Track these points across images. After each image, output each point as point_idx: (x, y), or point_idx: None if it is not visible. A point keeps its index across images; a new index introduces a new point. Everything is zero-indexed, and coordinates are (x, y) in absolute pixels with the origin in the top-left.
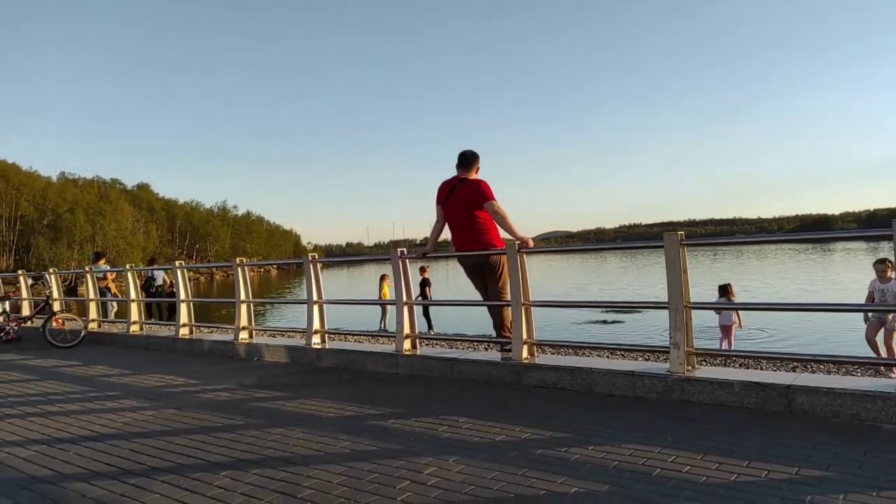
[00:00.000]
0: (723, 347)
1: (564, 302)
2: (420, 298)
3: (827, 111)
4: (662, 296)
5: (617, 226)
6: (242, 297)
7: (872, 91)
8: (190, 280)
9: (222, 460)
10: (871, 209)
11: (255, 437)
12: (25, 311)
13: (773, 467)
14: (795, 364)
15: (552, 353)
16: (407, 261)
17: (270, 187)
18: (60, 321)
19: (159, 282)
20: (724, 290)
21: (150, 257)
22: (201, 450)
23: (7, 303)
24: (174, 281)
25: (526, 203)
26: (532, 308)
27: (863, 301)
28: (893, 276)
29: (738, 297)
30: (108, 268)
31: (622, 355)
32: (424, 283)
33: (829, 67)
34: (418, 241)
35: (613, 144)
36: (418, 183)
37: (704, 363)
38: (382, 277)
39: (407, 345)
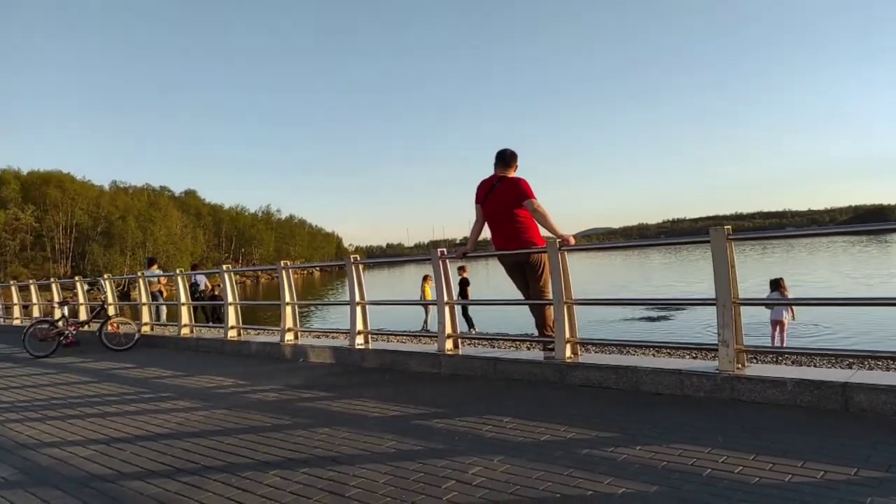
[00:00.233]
0: (774, 344)
1: (607, 300)
2: (460, 299)
3: (882, 97)
4: (709, 292)
5: (660, 221)
6: (287, 299)
7: None
8: (236, 283)
9: (272, 459)
10: None
11: (302, 437)
12: (83, 315)
13: (829, 468)
14: (851, 361)
15: (596, 352)
16: (447, 261)
17: (312, 190)
18: (115, 325)
19: (201, 287)
20: (777, 285)
21: (193, 263)
22: (251, 449)
23: (66, 308)
24: (220, 285)
25: (566, 200)
26: (574, 306)
27: None
28: None
29: (790, 291)
30: (161, 272)
31: (668, 353)
32: (464, 283)
33: (883, 51)
34: (458, 241)
35: (655, 137)
36: (457, 183)
37: (755, 361)
38: (425, 278)
39: (449, 344)
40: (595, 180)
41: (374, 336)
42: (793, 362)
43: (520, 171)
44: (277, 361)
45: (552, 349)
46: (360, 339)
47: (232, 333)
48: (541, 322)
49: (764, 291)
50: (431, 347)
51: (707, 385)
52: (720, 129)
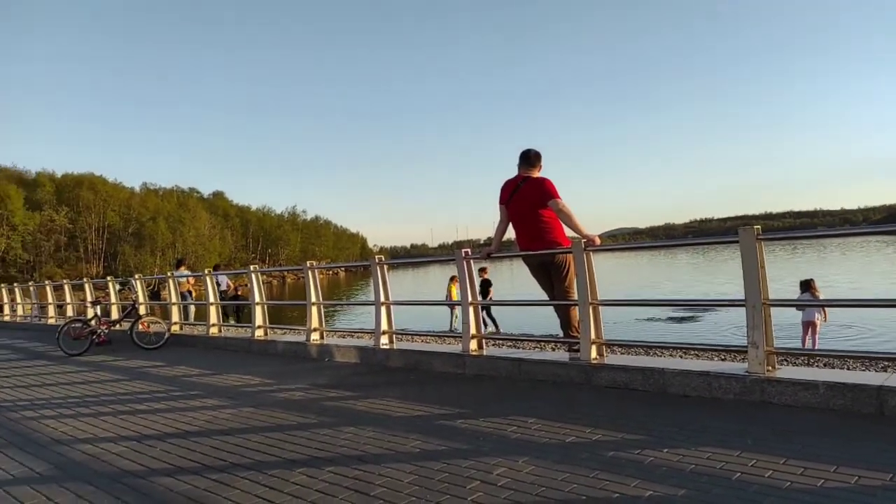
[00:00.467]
0: (805, 346)
1: (633, 300)
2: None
3: None
4: (737, 292)
5: (687, 221)
6: (313, 299)
7: None
8: (263, 283)
9: (298, 458)
10: None
11: (328, 436)
12: (114, 314)
13: (863, 473)
14: (887, 363)
15: (621, 353)
16: (471, 261)
17: (337, 191)
18: (146, 324)
19: (223, 287)
20: (807, 286)
21: (215, 265)
22: (278, 447)
23: (98, 307)
24: (246, 285)
25: (591, 200)
26: (600, 307)
27: None
28: None
29: (822, 291)
30: (189, 273)
31: (696, 355)
32: (486, 285)
33: None
34: (482, 242)
35: (681, 136)
36: (481, 183)
37: (785, 363)
38: (452, 279)
39: (473, 345)
40: (621, 180)
41: (399, 336)
42: (825, 365)
43: (544, 171)
44: (303, 360)
45: (577, 350)
46: (384, 339)
47: (259, 333)
48: (566, 323)
49: (795, 292)
50: (456, 348)
51: (736, 387)
52: (750, 127)
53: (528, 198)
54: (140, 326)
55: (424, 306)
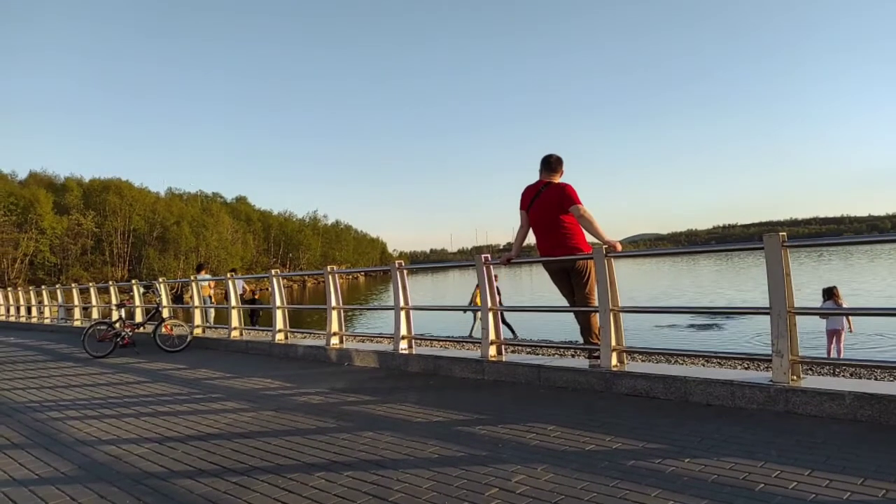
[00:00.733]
0: (830, 355)
1: (655, 308)
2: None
3: None
4: (760, 300)
5: (710, 227)
6: (333, 303)
7: None
8: (284, 287)
9: (317, 462)
10: None
11: (347, 440)
12: (138, 317)
13: (892, 486)
14: None
15: (642, 361)
16: (491, 267)
17: (357, 197)
18: (169, 327)
19: (240, 290)
20: (830, 294)
21: (230, 269)
22: (297, 451)
23: (123, 310)
24: (267, 289)
25: (613, 205)
26: (621, 314)
27: None
28: None
29: (847, 300)
30: (210, 277)
31: (718, 363)
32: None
33: None
34: (501, 247)
35: (705, 141)
36: (501, 188)
37: (811, 372)
38: (478, 286)
39: (492, 351)
40: (642, 186)
41: (418, 341)
42: (851, 374)
43: (565, 177)
44: (323, 364)
45: (597, 357)
46: (403, 344)
47: (280, 337)
48: (586, 329)
49: (819, 300)
50: (475, 353)
51: (760, 397)
52: (775, 132)
53: (549, 203)
54: (163, 329)
55: (443, 312)
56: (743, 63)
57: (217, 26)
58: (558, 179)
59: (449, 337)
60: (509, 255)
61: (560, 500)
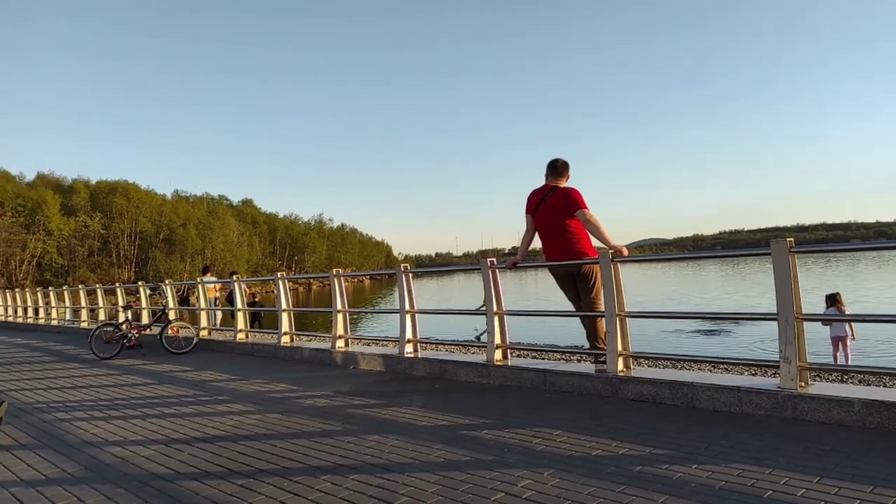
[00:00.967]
0: (837, 362)
1: (661, 313)
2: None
3: None
4: (766, 305)
5: (716, 232)
6: (339, 306)
7: None
8: (290, 290)
9: (323, 465)
10: None
11: (352, 444)
12: (145, 319)
13: None
14: None
15: (648, 366)
16: (497, 271)
17: (363, 200)
18: (175, 329)
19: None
20: (833, 300)
21: (231, 272)
22: (303, 454)
23: (129, 312)
24: (272, 291)
25: (618, 210)
26: (627, 319)
27: None
28: None
29: (853, 306)
30: (215, 279)
31: (726, 369)
32: None
33: None
34: (507, 251)
35: (710, 145)
36: (507, 192)
37: (818, 378)
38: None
39: (498, 355)
40: (649, 191)
41: (423, 345)
42: (859, 381)
43: (572, 182)
44: (328, 367)
45: (604, 362)
46: (409, 348)
47: (285, 339)
48: (592, 334)
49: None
50: (480, 357)
51: (768, 403)
52: (782, 137)
53: (555, 208)
54: (170, 331)
55: (448, 315)
56: (745, 65)
57: (217, 26)
58: (564, 184)
59: (454, 341)
60: (515, 259)
61: None
